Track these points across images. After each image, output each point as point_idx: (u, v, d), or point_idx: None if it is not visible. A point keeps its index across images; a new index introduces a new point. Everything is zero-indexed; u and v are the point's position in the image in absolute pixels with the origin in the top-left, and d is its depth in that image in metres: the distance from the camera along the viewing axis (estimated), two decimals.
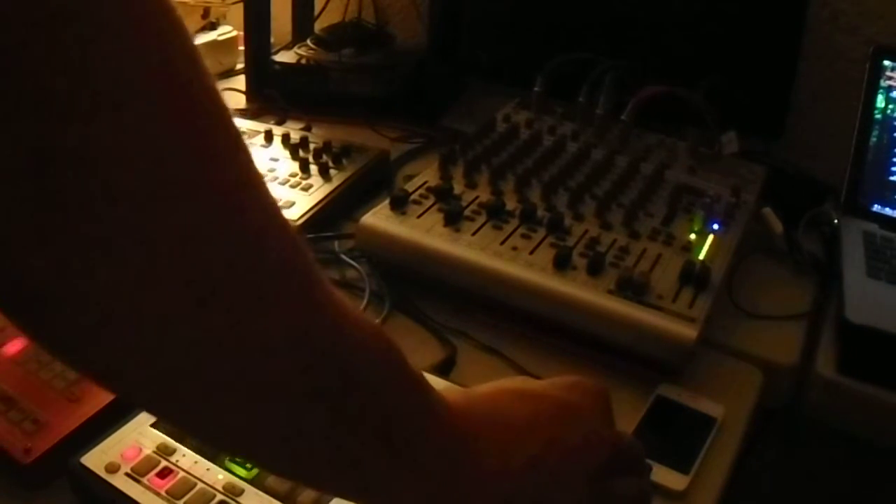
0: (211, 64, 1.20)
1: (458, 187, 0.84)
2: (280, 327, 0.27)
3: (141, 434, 0.57)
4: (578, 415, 0.42)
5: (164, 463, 0.55)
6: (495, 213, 0.80)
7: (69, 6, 0.20)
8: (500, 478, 0.37)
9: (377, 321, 0.74)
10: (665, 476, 0.61)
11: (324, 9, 1.26)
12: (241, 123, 1.02)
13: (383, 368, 0.32)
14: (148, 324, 0.24)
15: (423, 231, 0.77)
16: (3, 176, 0.21)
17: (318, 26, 1.23)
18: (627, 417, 0.65)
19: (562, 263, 0.73)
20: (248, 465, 0.55)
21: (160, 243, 0.23)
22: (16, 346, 0.65)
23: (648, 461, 0.56)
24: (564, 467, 0.39)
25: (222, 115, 0.25)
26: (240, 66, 1.22)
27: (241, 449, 0.32)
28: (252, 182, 0.27)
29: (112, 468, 0.54)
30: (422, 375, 0.34)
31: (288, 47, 1.20)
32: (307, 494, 0.53)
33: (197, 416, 0.29)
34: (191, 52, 0.24)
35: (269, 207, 0.27)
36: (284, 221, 0.28)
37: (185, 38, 0.24)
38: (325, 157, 0.94)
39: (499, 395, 0.40)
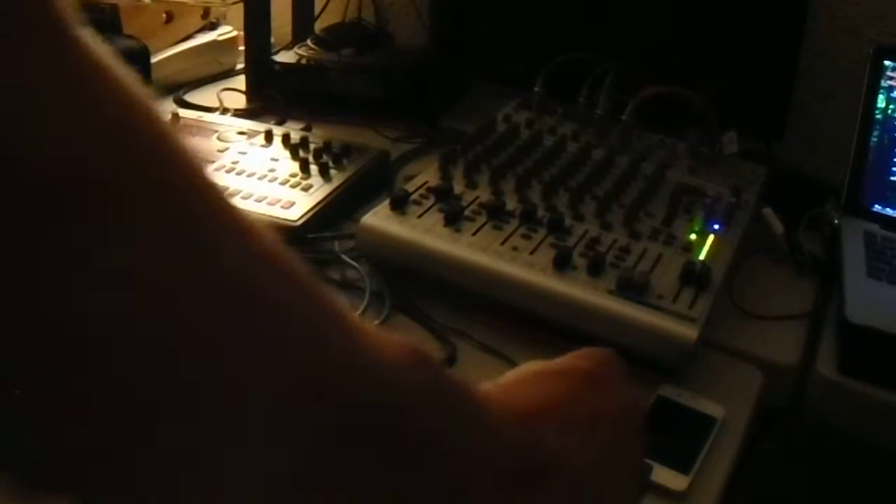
0: (211, 64, 1.21)
1: (458, 187, 0.84)
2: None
3: None
4: (606, 384, 0.41)
5: None
6: (495, 214, 0.80)
7: None
8: (566, 457, 0.35)
9: (378, 322, 0.74)
10: (665, 476, 0.61)
11: (324, 9, 1.26)
12: (242, 124, 1.02)
13: (429, 392, 0.28)
14: None
15: (423, 231, 0.77)
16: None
17: (319, 26, 1.23)
18: None
19: (562, 264, 0.73)
20: None
21: None
22: None
23: (649, 461, 0.56)
24: (615, 440, 0.38)
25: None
26: (240, 66, 1.21)
27: None
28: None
29: None
30: (465, 386, 0.31)
31: (288, 47, 1.20)
32: None
33: None
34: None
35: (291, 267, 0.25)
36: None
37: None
38: (325, 157, 0.94)
39: (527, 380, 0.39)
